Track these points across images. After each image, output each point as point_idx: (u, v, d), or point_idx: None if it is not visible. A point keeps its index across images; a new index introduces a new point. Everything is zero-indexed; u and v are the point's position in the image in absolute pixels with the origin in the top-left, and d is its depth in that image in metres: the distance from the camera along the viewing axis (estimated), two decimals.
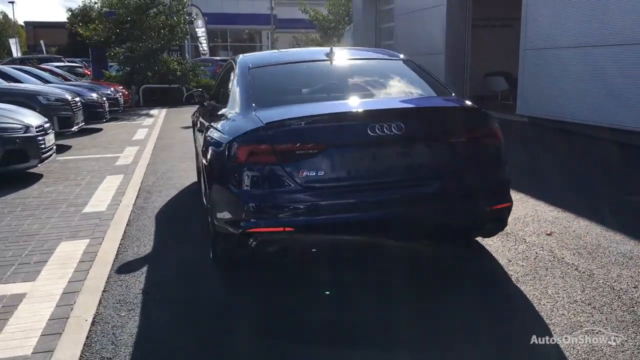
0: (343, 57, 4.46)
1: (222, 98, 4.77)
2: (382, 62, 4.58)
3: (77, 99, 10.79)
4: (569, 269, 3.79)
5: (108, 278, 3.95)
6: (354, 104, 3.75)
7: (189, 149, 9.58)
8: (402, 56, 4.64)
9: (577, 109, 9.38)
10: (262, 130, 3.30)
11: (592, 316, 3.13)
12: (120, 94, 15.63)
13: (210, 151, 3.80)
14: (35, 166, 7.22)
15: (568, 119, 9.67)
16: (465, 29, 13.34)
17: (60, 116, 9.90)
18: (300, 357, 2.89)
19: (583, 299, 3.34)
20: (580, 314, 3.16)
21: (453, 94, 4.05)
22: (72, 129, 10.28)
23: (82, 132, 11.34)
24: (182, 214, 5.66)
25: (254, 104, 3.71)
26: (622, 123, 8.57)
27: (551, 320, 3.10)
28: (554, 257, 4.01)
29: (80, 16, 40.31)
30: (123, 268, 4.15)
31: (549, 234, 4.51)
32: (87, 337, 3.14)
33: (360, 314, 3.32)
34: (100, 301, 3.59)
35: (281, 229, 3.25)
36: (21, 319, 3.34)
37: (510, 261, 3.95)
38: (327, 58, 4.34)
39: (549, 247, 4.21)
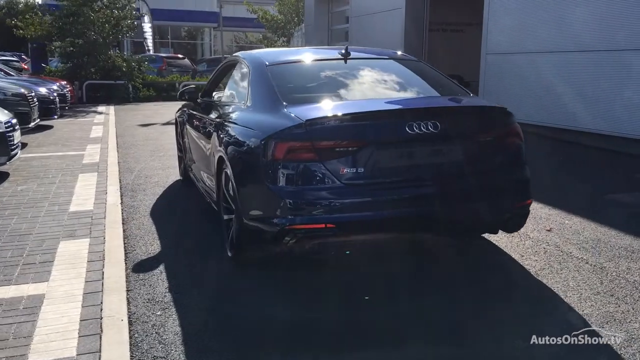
0: (358, 56, 4.51)
1: (231, 95, 4.72)
2: (398, 61, 4.66)
3: (33, 93, 10.33)
4: (580, 262, 3.99)
5: (127, 277, 3.85)
6: (389, 102, 3.82)
7: (155, 147, 9.43)
8: (413, 57, 4.75)
9: (535, 112, 9.82)
10: (302, 127, 3.30)
11: (619, 307, 3.31)
12: (68, 89, 15.04)
13: (237, 149, 3.77)
14: (4, 164, 6.89)
15: (525, 121, 10.09)
16: (423, 33, 13.67)
17: (17, 112, 9.42)
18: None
19: (604, 291, 3.53)
20: (608, 305, 3.34)
21: (471, 94, 4.18)
22: (29, 125, 9.85)
23: (34, 130, 10.88)
24: (179, 212, 5.56)
25: (283, 102, 3.71)
26: (579, 125, 9.05)
27: (583, 311, 3.26)
28: (561, 251, 4.21)
29: (5, 8, 38.18)
30: (139, 267, 4.05)
31: (548, 230, 4.72)
32: (130, 337, 3.06)
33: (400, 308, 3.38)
34: (128, 301, 3.50)
35: (322, 225, 3.26)
36: (50, 321, 3.21)
37: (522, 256, 4.12)
38: (341, 57, 4.39)
39: (553, 242, 4.41)
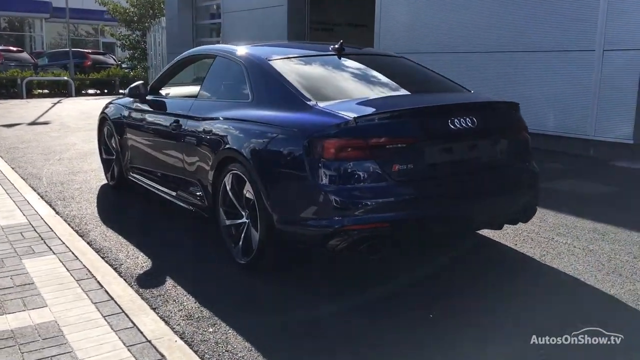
0: (351, 52, 4.49)
1: (215, 92, 4.45)
2: (391, 57, 4.69)
3: None
4: (569, 247, 4.29)
5: (140, 294, 3.47)
6: (423, 98, 3.86)
7: (43, 150, 8.51)
8: (398, 55, 4.83)
9: None
10: (352, 125, 3.22)
11: (635, 285, 3.66)
12: None
13: (261, 149, 3.56)
14: None
15: None
16: (305, 31, 13.82)
17: None
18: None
19: (612, 271, 3.85)
20: (626, 284, 3.67)
21: (471, 90, 4.36)
22: None
23: None
24: (137, 219, 5.10)
25: (310, 98, 3.58)
26: None
27: (610, 291, 3.54)
28: (545, 238, 4.52)
29: None
30: (145, 282, 3.66)
31: None
32: (201, 358, 2.78)
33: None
34: (165, 320, 3.16)
35: (375, 225, 3.22)
36: (89, 350, 2.81)
37: (516, 245, 4.39)
38: (334, 52, 4.33)
39: (532, 230, 4.71)
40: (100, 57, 25.18)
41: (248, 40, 5.03)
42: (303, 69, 4.07)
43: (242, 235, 3.81)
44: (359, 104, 3.56)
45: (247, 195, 3.69)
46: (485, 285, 3.69)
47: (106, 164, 6.15)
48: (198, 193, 4.30)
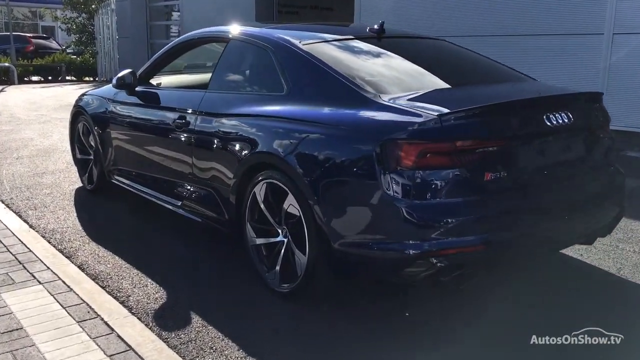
0: (392, 34, 3.83)
1: (229, 82, 3.73)
2: (431, 41, 4.04)
3: None
4: (633, 255, 3.86)
5: (165, 340, 2.76)
6: (505, 89, 3.26)
7: None
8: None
9: None
10: (436, 124, 2.60)
11: None
12: None
13: (311, 154, 2.88)
14: None
15: None
16: (274, 14, 13.04)
17: None
18: None
19: None
20: None
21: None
22: None
23: None
24: (128, 231, 4.33)
25: (370, 91, 2.93)
26: None
27: None
28: (613, 246, 4.03)
29: None
30: (164, 322, 2.95)
31: None
32: None
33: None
34: None
35: (469, 248, 2.62)
36: None
37: (582, 255, 3.87)
38: (373, 34, 3.69)
39: None
40: (43, 41, 23.55)
41: (211, 23, 4.35)
42: (344, 55, 3.40)
43: (280, 257, 3.14)
44: (431, 97, 2.94)
45: (289, 209, 3.01)
46: (591, 317, 3.14)
47: (82, 165, 5.31)
48: (214, 204, 3.59)
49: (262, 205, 3.21)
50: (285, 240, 3.13)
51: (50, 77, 19.08)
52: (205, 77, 4.76)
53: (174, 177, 4.00)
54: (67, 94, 14.03)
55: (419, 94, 2.96)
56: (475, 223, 2.61)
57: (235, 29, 3.85)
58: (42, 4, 23.27)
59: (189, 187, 3.84)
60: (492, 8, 8.35)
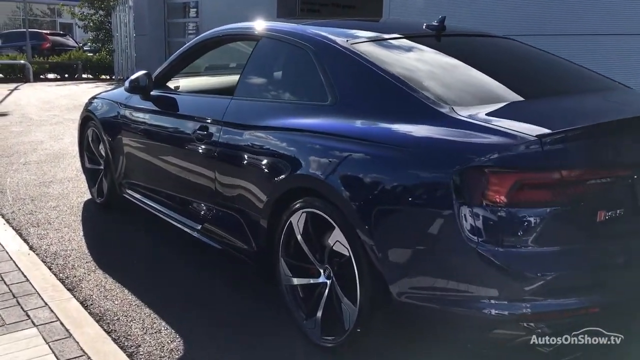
0: (452, 32, 3.22)
1: (260, 88, 3.16)
2: (496, 39, 3.40)
3: None
4: None
5: None
6: (611, 101, 2.67)
7: (2, 149, 6.98)
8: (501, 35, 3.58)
9: None
10: (534, 147, 2.01)
11: None
12: None
13: (375, 182, 2.31)
14: None
15: None
16: (297, 11, 12.47)
17: None
18: None
19: None
20: None
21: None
22: None
23: None
24: (140, 255, 3.78)
25: (444, 103, 2.34)
26: None
27: None
28: None
29: None
30: None
31: None
32: None
33: None
34: None
35: (579, 311, 2.03)
36: None
37: None
38: (431, 32, 3.10)
39: None
40: (60, 38, 23.23)
41: (230, 20, 3.81)
42: (402, 57, 2.82)
43: (322, 303, 2.57)
44: (518, 112, 2.38)
45: (335, 246, 2.44)
46: None
47: (91, 176, 4.78)
48: (239, 231, 3.03)
49: (300, 239, 2.64)
50: (329, 282, 2.57)
51: (66, 75, 18.67)
52: (230, 80, 4.21)
53: (192, 196, 3.45)
54: (82, 93, 13.58)
55: (502, 107, 2.38)
56: (586, 277, 2.02)
57: (266, 25, 3.29)
58: (60, 0, 22.83)
59: (210, 209, 3.29)
60: (538, 5, 7.70)
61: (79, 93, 13.54)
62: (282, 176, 2.67)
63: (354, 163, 2.37)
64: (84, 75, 18.69)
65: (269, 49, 3.19)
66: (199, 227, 3.39)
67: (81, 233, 4.14)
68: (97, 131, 4.50)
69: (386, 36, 2.95)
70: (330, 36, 2.87)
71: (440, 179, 2.08)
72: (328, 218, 2.45)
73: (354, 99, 2.59)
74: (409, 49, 2.88)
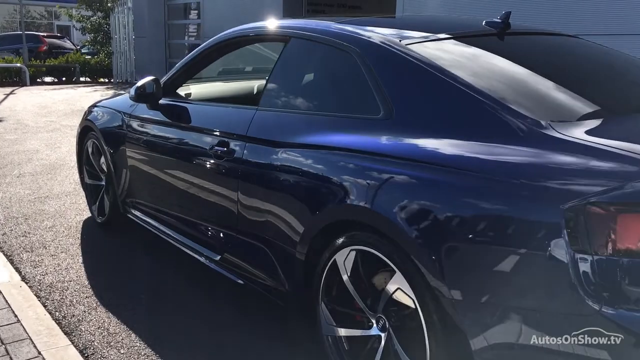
0: (516, 30, 2.73)
1: (301, 98, 2.68)
2: (563, 38, 2.90)
3: None
4: None
5: None
6: None
7: None
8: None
9: None
10: None
11: None
12: None
13: (450, 217, 1.83)
14: None
15: None
16: (303, 12, 12.02)
17: None
18: None
19: None
20: None
21: None
22: None
23: None
24: (151, 289, 3.29)
25: (536, 117, 1.87)
26: None
27: None
28: None
29: None
30: None
31: None
32: None
33: None
34: None
35: None
36: None
37: None
38: (492, 30, 2.63)
39: None
40: (57, 41, 22.74)
41: (233, 22, 3.36)
42: (472, 61, 2.34)
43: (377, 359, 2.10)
44: (629, 129, 1.88)
45: (396, 294, 1.97)
46: None
47: (91, 193, 4.31)
48: (267, 265, 2.56)
49: (346, 281, 2.17)
50: (384, 335, 2.09)
51: (63, 79, 18.19)
52: (249, 87, 3.76)
53: (210, 221, 2.99)
54: (80, 97, 13.12)
55: (607, 123, 1.91)
56: None
57: (294, 24, 2.82)
58: (57, 2, 22.27)
59: (231, 237, 2.82)
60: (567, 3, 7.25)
61: (77, 97, 13.07)
62: (325, 205, 2.21)
63: (425, 193, 1.90)
64: (82, 79, 18.21)
65: (300, 52, 2.72)
66: (218, 257, 2.93)
67: (80, 259, 3.66)
68: (97, 143, 4.03)
69: (444, 35, 2.47)
70: (379, 36, 2.40)
71: (547, 217, 1.61)
72: (386, 260, 1.98)
73: (416, 112, 2.11)
74: (476, 51, 2.40)
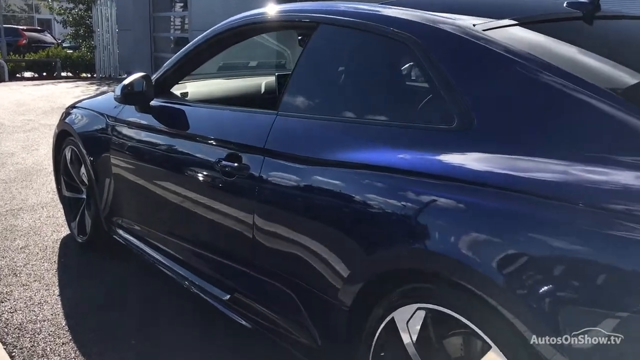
0: (604, 14, 2.17)
1: (336, 101, 2.11)
2: None
3: None
4: None
5: None
6: None
7: None
8: None
9: None
10: None
11: None
12: None
13: (573, 276, 1.29)
14: None
15: None
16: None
17: None
18: None
19: None
20: None
21: None
22: None
23: None
24: (140, 329, 2.71)
25: None
26: None
27: None
28: None
29: None
30: None
31: None
32: None
33: None
34: None
35: None
36: None
37: None
38: (577, 12, 2.07)
39: None
40: (37, 34, 21.91)
41: (223, 14, 2.81)
42: (575, 54, 1.76)
43: None
44: None
45: None
46: None
47: (70, 207, 3.72)
48: (292, 313, 2.01)
49: (409, 344, 1.62)
50: None
51: (44, 73, 17.41)
52: (257, 85, 3.18)
53: (217, 251, 2.42)
54: (61, 93, 12.43)
55: None
56: None
57: (323, 7, 2.24)
58: None
59: (244, 273, 2.25)
60: None
61: (58, 94, 12.37)
62: (380, 246, 1.66)
63: (537, 239, 1.34)
64: (63, 74, 17.45)
65: (334, 42, 2.14)
66: (227, 297, 2.36)
67: (57, 291, 3.08)
68: (77, 151, 3.44)
69: (522, 19, 1.91)
70: (443, 20, 1.83)
71: None
72: (476, 328, 1.42)
73: (509, 122, 1.56)
74: (571, 41, 1.83)
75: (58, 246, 3.69)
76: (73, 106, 3.64)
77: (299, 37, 3.06)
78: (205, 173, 2.38)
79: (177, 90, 3.04)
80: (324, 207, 1.85)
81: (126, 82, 2.74)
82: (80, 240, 3.62)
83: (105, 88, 13.58)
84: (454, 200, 1.51)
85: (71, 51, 19.07)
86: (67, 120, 3.53)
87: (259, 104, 2.81)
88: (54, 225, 4.06)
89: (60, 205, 4.17)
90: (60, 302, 2.95)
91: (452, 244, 1.47)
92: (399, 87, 1.95)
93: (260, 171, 2.07)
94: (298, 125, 2.06)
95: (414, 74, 1.81)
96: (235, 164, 2.18)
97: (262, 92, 3.24)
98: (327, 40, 2.13)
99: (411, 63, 1.81)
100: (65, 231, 3.90)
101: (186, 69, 2.88)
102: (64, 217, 3.99)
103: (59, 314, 2.82)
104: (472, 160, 1.55)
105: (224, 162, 2.24)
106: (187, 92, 3.13)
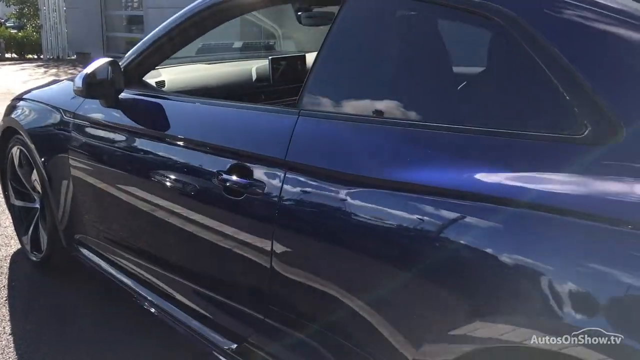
0: None
1: (395, 100, 1.58)
2: None
3: None
4: None
5: None
6: None
7: None
8: None
9: None
10: None
11: None
12: None
13: None
14: None
15: None
16: None
17: None
18: None
19: None
20: None
21: None
22: None
23: None
24: None
25: None
26: None
27: None
28: None
29: None
30: None
31: None
32: None
33: None
34: None
35: None
36: None
37: None
38: None
39: None
40: None
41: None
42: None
43: None
44: None
45: None
46: None
47: (20, 219, 3.11)
48: None
49: None
50: None
51: None
52: (248, 69, 2.64)
53: (221, 290, 1.90)
54: (6, 76, 11.49)
55: None
56: None
57: None
58: None
59: (257, 319, 1.73)
60: None
61: (2, 77, 11.43)
62: (460, 304, 1.16)
63: None
64: (7, 55, 16.33)
65: (378, 19, 1.61)
66: (234, 345, 1.84)
67: (7, 325, 2.49)
68: (27, 152, 2.82)
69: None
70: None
71: None
72: None
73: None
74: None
75: (7, 264, 3.09)
76: (20, 98, 3.01)
77: (298, 13, 2.52)
78: (197, 187, 1.84)
79: (151, 78, 2.46)
80: (373, 244, 1.35)
81: (88, 70, 2.16)
82: (34, 259, 3.02)
83: (54, 71, 12.66)
84: (596, 246, 1.03)
85: (15, 31, 17.84)
86: (13, 115, 2.91)
87: (251, 95, 2.27)
88: (3, 238, 3.44)
89: (7, 212, 3.55)
90: (12, 341, 2.38)
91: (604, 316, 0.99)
92: (486, 82, 1.45)
93: (281, 191, 1.55)
94: (332, 130, 1.55)
95: (506, 60, 1.31)
96: (244, 180, 1.65)
97: (253, 79, 2.68)
98: (370, 11, 1.60)
99: (502, 46, 1.31)
100: (15, 245, 3.30)
101: (163, 53, 2.31)
102: (12, 228, 3.38)
103: (10, 356, 2.25)
104: (620, 188, 1.06)
105: (224, 177, 1.71)
106: (164, 81, 2.56)
